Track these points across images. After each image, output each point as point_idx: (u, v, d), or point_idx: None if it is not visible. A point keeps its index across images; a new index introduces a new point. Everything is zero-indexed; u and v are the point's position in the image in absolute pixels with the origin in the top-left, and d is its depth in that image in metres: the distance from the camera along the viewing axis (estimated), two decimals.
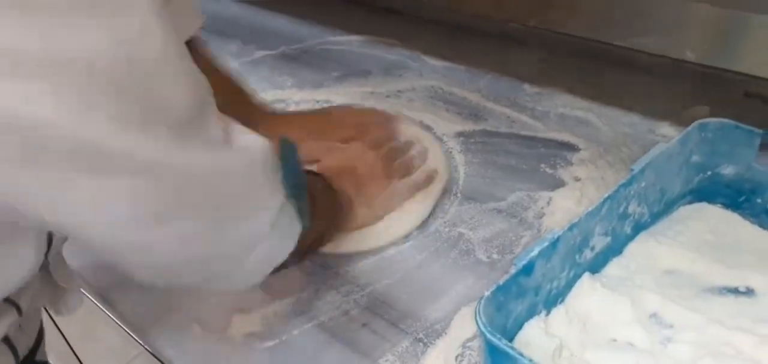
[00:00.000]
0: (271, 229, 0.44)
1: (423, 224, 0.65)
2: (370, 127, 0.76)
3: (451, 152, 0.76)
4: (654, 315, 0.51)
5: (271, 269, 0.47)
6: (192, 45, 0.68)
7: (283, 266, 0.48)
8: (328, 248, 0.62)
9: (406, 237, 0.64)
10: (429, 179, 0.68)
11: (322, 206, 0.55)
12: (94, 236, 0.35)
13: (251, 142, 0.42)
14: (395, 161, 0.68)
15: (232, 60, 1.03)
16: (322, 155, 0.71)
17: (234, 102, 0.73)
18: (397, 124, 0.77)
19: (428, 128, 0.80)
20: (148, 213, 0.35)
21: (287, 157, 0.46)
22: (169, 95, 0.33)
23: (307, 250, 0.57)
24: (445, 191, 0.69)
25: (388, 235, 0.63)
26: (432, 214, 0.66)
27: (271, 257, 0.46)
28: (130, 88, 0.31)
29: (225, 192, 0.39)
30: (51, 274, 0.51)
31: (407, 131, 0.76)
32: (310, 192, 0.50)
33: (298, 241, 0.48)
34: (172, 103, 0.33)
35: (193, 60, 0.36)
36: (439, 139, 0.78)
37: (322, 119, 0.77)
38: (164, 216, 0.36)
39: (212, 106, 0.38)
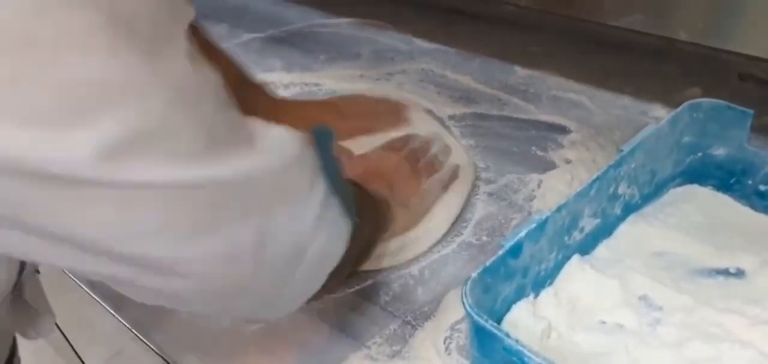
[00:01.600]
0: (318, 227, 0.39)
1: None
2: (381, 116, 0.73)
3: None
4: (643, 297, 0.50)
5: (325, 276, 0.42)
6: (196, 32, 0.65)
7: (327, 290, 0.43)
8: (371, 265, 0.57)
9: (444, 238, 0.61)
10: (454, 175, 0.65)
11: (363, 211, 0.50)
12: (117, 250, 0.31)
13: (282, 135, 0.38)
14: (419, 161, 0.64)
15: (220, 42, 1.02)
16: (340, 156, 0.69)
17: (238, 90, 0.70)
18: (408, 112, 0.74)
19: (427, 111, 0.79)
20: (181, 225, 0.31)
21: (324, 148, 0.42)
22: (197, 113, 0.30)
23: (355, 260, 0.51)
24: (473, 186, 0.66)
25: (427, 240, 0.60)
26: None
27: (323, 259, 0.41)
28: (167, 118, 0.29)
29: (263, 193, 0.35)
30: (23, 296, 0.48)
31: (418, 120, 0.74)
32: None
33: (349, 243, 0.43)
34: (201, 117, 0.31)
35: (199, 47, 0.34)
36: (447, 128, 0.75)
37: (331, 108, 0.73)
38: (199, 228, 0.32)
39: (230, 100, 0.35)
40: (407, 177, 0.61)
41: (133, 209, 0.29)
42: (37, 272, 0.55)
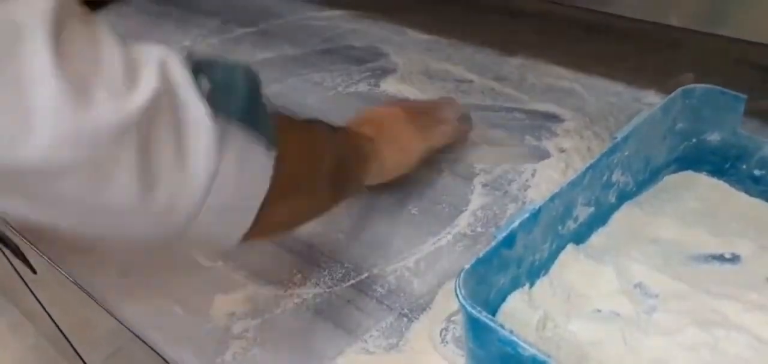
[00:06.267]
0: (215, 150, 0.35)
1: (406, 200, 0.64)
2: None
3: None
4: (639, 285, 0.50)
5: (248, 201, 0.39)
6: None
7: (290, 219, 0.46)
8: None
9: None
10: (462, 131, 0.68)
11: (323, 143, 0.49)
12: None
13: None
14: (418, 115, 0.64)
15: (212, 37, 1.02)
16: None
17: None
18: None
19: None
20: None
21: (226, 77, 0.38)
22: None
23: (334, 191, 0.52)
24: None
25: None
26: (416, 190, 0.65)
27: (235, 184, 0.37)
28: None
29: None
30: None
31: None
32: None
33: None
34: None
35: None
36: None
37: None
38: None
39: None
40: (397, 120, 0.62)
41: None
42: None
